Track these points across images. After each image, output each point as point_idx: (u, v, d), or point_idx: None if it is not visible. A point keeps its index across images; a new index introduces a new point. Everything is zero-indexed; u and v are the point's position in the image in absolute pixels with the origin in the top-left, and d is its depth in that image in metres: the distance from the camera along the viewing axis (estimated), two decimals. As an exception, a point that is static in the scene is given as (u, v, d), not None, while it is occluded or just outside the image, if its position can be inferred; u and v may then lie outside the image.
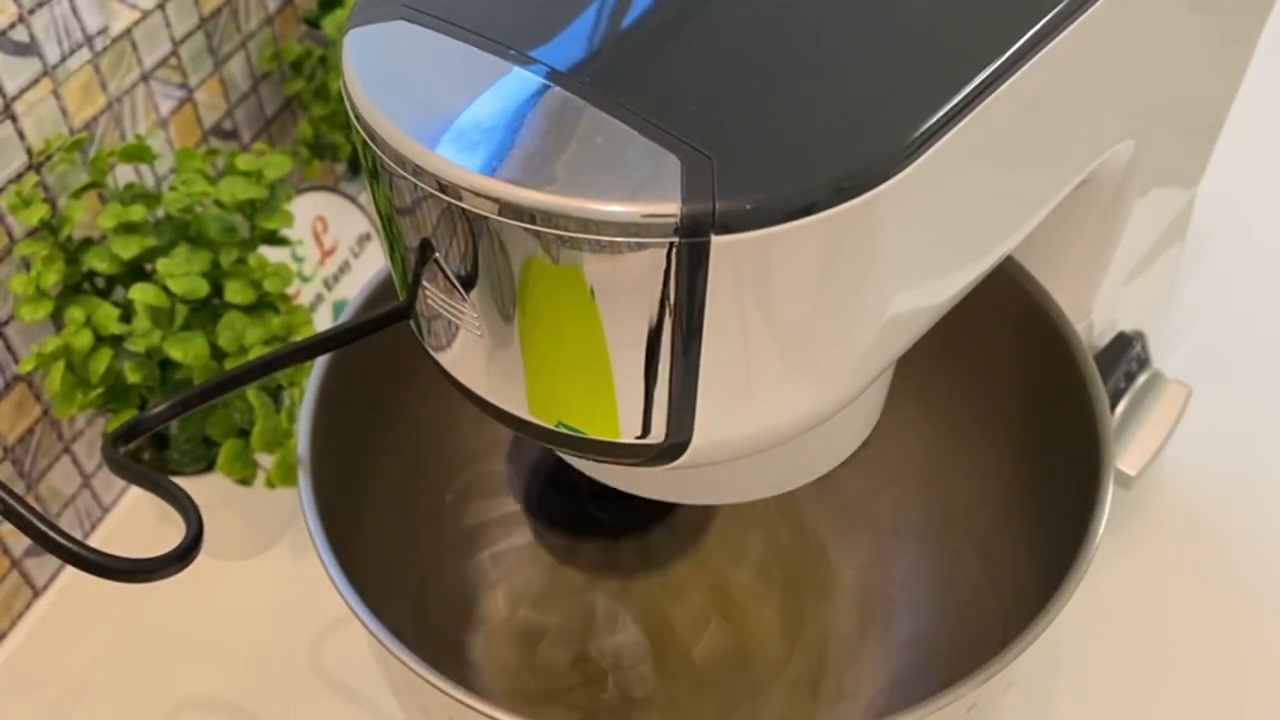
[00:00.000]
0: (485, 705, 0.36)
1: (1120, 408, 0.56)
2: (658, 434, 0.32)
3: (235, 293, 0.55)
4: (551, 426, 0.33)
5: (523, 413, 0.34)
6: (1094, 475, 0.42)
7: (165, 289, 0.54)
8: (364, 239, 0.72)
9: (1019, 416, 0.51)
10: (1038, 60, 0.32)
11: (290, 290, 0.65)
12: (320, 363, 0.46)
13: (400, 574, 0.52)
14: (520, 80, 0.30)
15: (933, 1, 0.32)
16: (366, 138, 0.31)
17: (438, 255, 0.31)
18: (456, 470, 0.57)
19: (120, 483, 0.65)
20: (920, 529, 0.58)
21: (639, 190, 0.27)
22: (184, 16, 0.62)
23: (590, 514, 0.55)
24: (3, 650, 0.59)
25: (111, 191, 0.57)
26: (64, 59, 0.55)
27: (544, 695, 0.57)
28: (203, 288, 0.54)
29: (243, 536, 0.63)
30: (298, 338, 0.56)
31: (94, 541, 0.61)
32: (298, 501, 0.45)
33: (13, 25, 0.51)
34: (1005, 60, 0.31)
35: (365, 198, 0.73)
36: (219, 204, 0.57)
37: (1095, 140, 0.41)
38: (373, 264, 0.72)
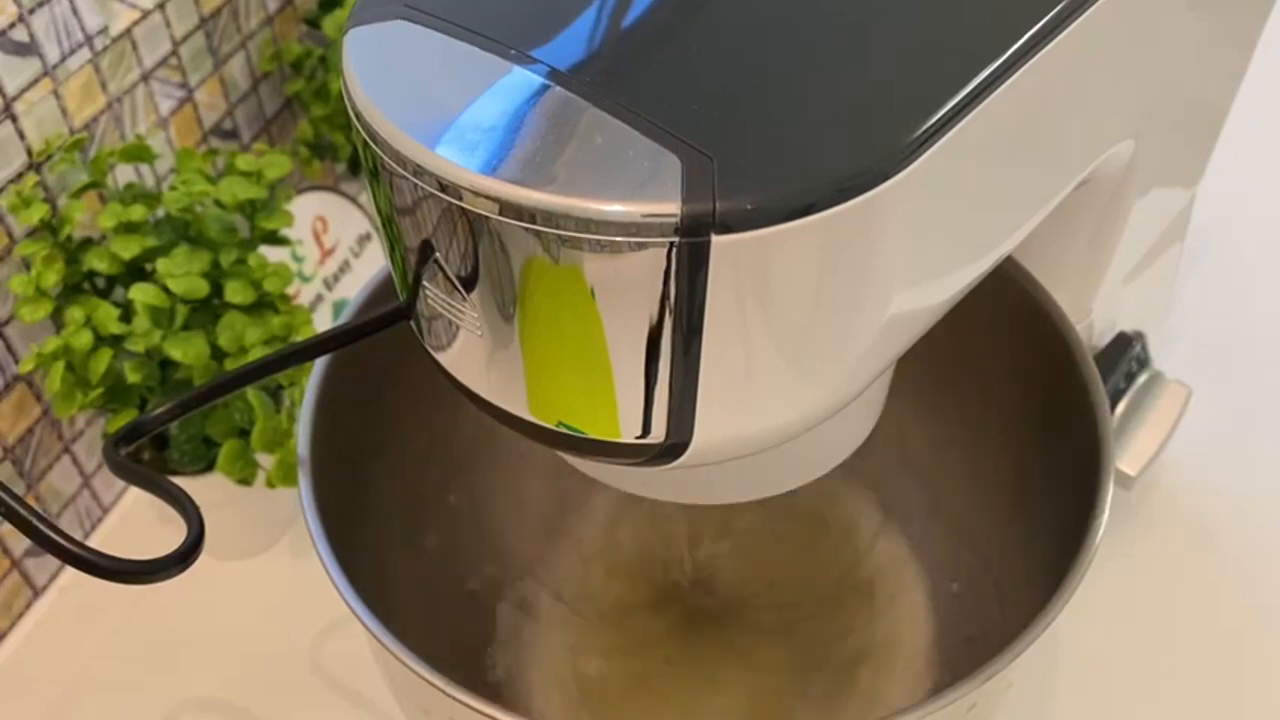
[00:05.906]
0: (485, 705, 0.36)
1: (1120, 408, 0.56)
2: (658, 434, 0.32)
3: (235, 293, 0.55)
4: (552, 426, 0.33)
5: (523, 413, 0.34)
6: (1094, 475, 0.42)
7: (165, 289, 0.54)
8: (364, 239, 0.72)
9: (1019, 416, 0.51)
10: (1038, 60, 0.32)
11: (290, 290, 0.65)
12: (320, 363, 0.46)
13: (400, 574, 0.52)
14: (521, 80, 0.30)
15: (933, 1, 0.32)
16: (367, 138, 0.31)
17: (438, 255, 0.31)
18: (457, 470, 0.57)
19: (120, 483, 0.65)
20: (919, 529, 0.58)
21: (639, 190, 0.27)
22: (184, 16, 0.62)
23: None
24: (3, 650, 0.59)
25: (111, 191, 0.57)
26: (64, 59, 0.55)
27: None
28: (203, 288, 0.54)
29: (243, 536, 0.63)
30: (298, 338, 0.56)
31: (94, 541, 0.62)
32: (298, 501, 0.45)
33: (13, 25, 0.51)
34: (1005, 60, 0.31)
35: (365, 198, 0.73)
36: (219, 204, 0.57)
37: (1095, 140, 0.41)
38: (373, 264, 0.72)
